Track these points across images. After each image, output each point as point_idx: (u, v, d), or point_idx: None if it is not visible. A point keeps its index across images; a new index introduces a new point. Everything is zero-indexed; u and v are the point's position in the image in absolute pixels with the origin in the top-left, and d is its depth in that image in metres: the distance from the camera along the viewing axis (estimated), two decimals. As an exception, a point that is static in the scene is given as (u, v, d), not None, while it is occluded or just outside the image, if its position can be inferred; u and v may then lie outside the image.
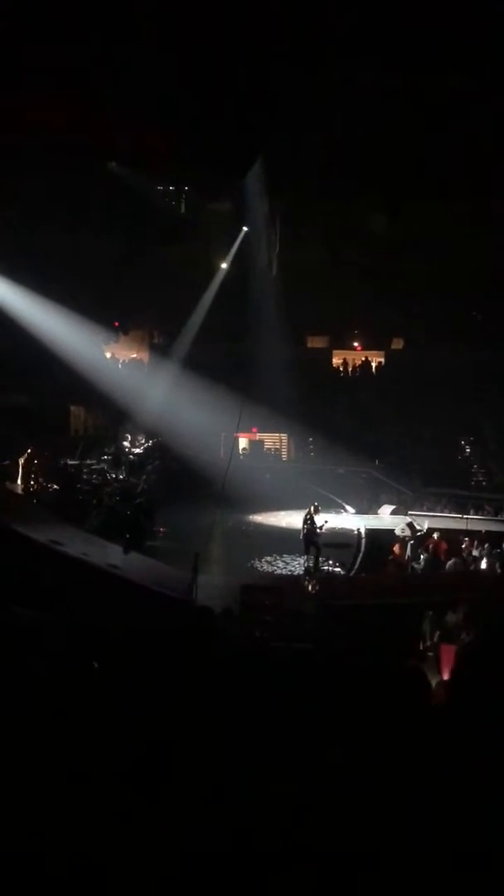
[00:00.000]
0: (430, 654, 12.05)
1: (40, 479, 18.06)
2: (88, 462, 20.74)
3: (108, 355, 30.01)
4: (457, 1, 12.36)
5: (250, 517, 21.42)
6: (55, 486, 18.11)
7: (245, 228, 28.66)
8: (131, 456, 22.33)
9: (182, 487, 23.82)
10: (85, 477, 19.17)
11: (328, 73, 14.51)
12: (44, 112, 17.11)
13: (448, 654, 9.69)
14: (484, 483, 24.93)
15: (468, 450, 27.73)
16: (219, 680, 4.21)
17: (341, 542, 18.51)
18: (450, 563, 16.54)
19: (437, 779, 2.37)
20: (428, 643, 12.21)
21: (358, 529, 19.65)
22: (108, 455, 21.88)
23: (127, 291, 28.94)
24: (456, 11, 12.36)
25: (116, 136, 18.84)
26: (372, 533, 19.18)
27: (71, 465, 19.37)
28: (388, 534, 18.53)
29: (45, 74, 15.35)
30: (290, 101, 15.49)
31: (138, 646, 5.22)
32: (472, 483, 24.86)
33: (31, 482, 17.84)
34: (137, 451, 23.25)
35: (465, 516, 20.32)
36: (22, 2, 13.18)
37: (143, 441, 24.49)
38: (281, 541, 18.48)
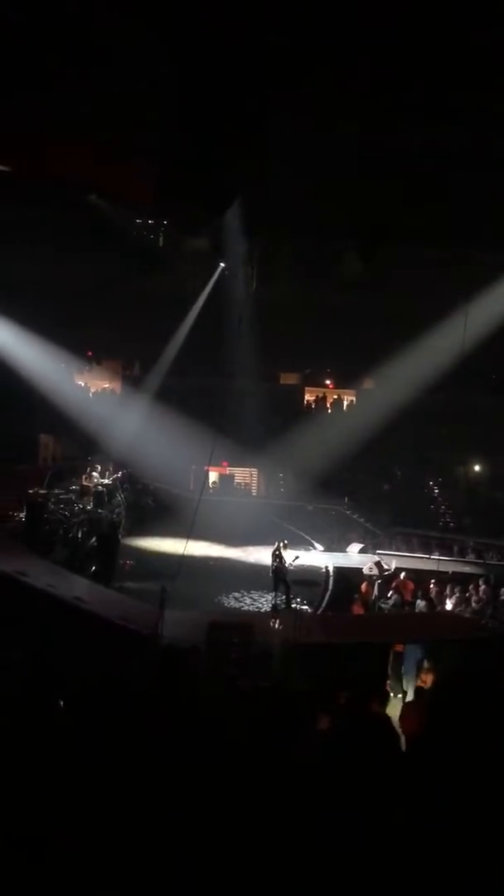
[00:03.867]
0: (398, 695, 12.06)
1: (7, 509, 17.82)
2: (56, 492, 20.51)
3: (81, 384, 29.92)
4: (432, 49, 12.75)
5: (219, 552, 21.30)
6: (22, 517, 17.85)
7: (222, 265, 29.00)
8: (100, 487, 22.13)
9: (150, 520, 23.67)
10: (52, 507, 18.94)
11: (308, 117, 14.85)
12: (22, 144, 17.23)
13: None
14: (451, 524, 25.14)
15: (436, 491, 27.99)
16: (185, 720, 4.16)
17: (309, 580, 18.47)
18: (417, 603, 16.61)
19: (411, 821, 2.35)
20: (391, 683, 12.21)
21: (326, 567, 19.63)
22: (75, 485, 21.67)
23: (101, 322, 28.99)
24: (433, 59, 12.78)
25: (96, 168, 19.01)
26: (340, 571, 19.17)
27: (38, 494, 19.12)
28: (356, 572, 18.53)
29: (25, 106, 15.48)
30: (271, 143, 15.80)
31: (103, 686, 5.14)
32: (440, 524, 25.05)
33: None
34: (106, 481, 23.05)
35: (432, 556, 20.42)
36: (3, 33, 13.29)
37: (113, 472, 24.31)
38: (249, 577, 18.39)
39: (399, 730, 7.55)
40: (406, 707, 9.47)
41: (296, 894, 2.18)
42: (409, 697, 11.39)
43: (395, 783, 2.84)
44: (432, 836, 2.15)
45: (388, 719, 5.37)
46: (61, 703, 4.09)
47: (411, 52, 12.88)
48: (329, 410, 32.68)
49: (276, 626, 13.68)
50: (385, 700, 9.69)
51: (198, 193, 18.53)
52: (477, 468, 29.03)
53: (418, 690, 10.70)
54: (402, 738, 7.00)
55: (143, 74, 14.34)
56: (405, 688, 12.56)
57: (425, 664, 12.07)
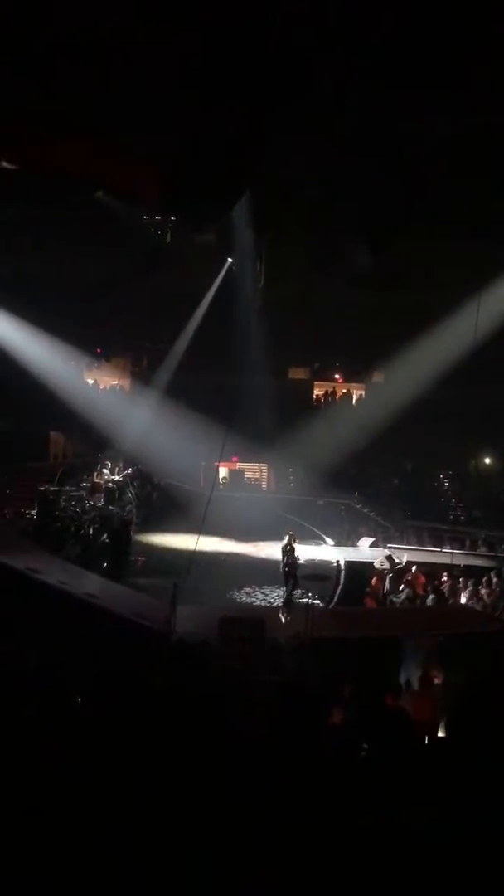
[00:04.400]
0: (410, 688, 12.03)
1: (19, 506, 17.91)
2: (67, 489, 20.59)
3: (90, 381, 29.99)
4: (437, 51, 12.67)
5: (230, 547, 21.33)
6: (33, 513, 17.93)
7: (230, 260, 28.98)
8: (110, 483, 22.20)
9: (161, 516, 23.73)
10: (63, 504, 19.01)
11: (318, 114, 14.79)
12: (29, 140, 17.22)
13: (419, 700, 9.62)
14: (462, 517, 25.08)
15: (447, 484, 27.91)
16: (198, 715, 4.17)
17: (320, 574, 18.48)
18: (429, 597, 16.60)
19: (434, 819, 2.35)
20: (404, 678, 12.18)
21: (337, 561, 19.63)
22: (86, 482, 21.74)
23: (110, 318, 29.05)
24: (438, 60, 12.69)
25: (104, 165, 18.99)
26: (351, 565, 19.16)
27: (50, 491, 19.20)
28: (367, 566, 18.52)
29: (31, 102, 15.47)
30: (279, 138, 15.74)
31: (116, 682, 5.16)
32: (451, 517, 24.98)
33: (6, 510, 17.69)
34: (117, 478, 23.12)
35: (443, 550, 20.39)
36: (8, 30, 13.28)
37: (123, 468, 24.38)
38: (260, 572, 18.40)
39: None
40: (415, 697, 9.58)
41: (314, 890, 2.19)
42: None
43: (418, 778, 2.84)
44: (457, 835, 2.15)
45: (404, 712, 5.36)
46: (77, 699, 4.12)
47: (417, 41, 12.80)
48: (338, 404, 32.65)
49: (284, 619, 13.71)
50: (398, 693, 9.72)
51: (205, 189, 18.49)
52: (487, 461, 28.92)
53: (424, 681, 10.68)
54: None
55: (150, 70, 14.31)
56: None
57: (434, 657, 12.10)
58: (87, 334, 27.91)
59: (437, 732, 8.84)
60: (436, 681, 11.24)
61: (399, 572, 17.86)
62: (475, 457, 28.71)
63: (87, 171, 18.48)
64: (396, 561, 18.56)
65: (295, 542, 16.02)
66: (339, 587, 17.93)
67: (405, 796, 2.51)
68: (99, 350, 30.84)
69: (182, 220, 27.19)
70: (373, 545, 21.31)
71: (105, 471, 23.08)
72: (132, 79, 14.68)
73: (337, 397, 33.20)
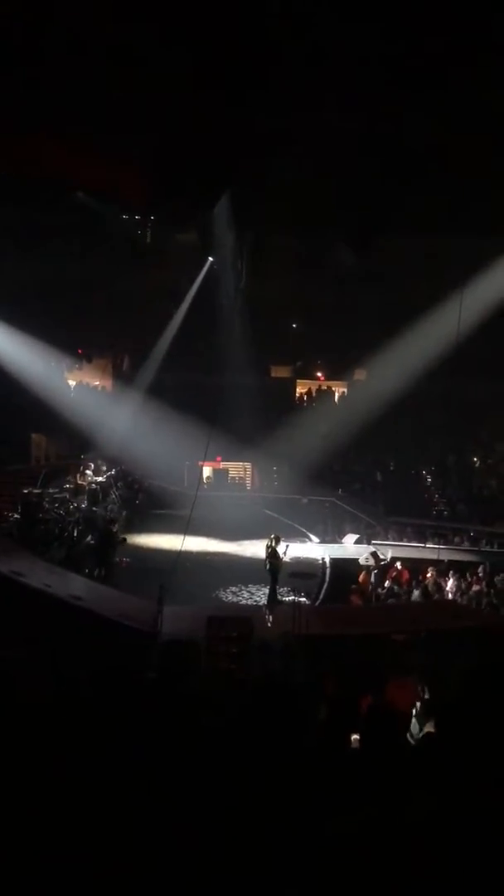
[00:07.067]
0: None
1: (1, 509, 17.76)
2: (50, 491, 20.45)
3: (72, 383, 29.82)
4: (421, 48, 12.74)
5: (215, 547, 21.30)
6: (16, 516, 17.79)
7: (210, 259, 28.93)
8: (94, 485, 22.08)
9: (146, 516, 23.64)
10: (47, 506, 18.88)
11: (298, 111, 14.81)
12: (8, 142, 17.12)
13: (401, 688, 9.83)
14: (445, 513, 25.19)
15: (429, 480, 28.03)
16: (186, 715, 4.15)
17: (306, 572, 18.50)
18: (414, 592, 16.67)
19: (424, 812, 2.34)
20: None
21: (322, 559, 19.66)
22: (69, 484, 21.60)
23: (91, 319, 28.90)
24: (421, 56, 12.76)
25: (84, 165, 18.92)
26: (336, 562, 19.19)
27: (33, 494, 19.06)
28: (352, 563, 18.56)
29: (11, 104, 15.38)
30: (259, 135, 15.75)
31: (103, 683, 5.12)
32: (434, 513, 25.10)
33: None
34: (100, 479, 23.00)
35: (427, 545, 20.47)
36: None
37: (106, 469, 24.26)
38: (246, 571, 18.39)
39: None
40: (393, 684, 9.72)
41: (299, 889, 2.18)
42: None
43: (410, 771, 2.83)
44: (446, 832, 2.14)
45: (389, 708, 5.37)
46: (64, 700, 4.08)
47: (400, 41, 12.86)
48: (321, 403, 32.69)
49: (270, 618, 13.73)
50: (383, 687, 9.82)
51: (185, 188, 18.48)
52: (470, 456, 29.07)
53: (401, 670, 10.80)
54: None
55: (133, 71, 14.28)
56: None
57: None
58: (69, 335, 27.74)
59: (410, 719, 9.08)
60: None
61: (384, 568, 17.93)
62: (458, 452, 28.84)
63: (67, 170, 18.39)
64: (381, 557, 18.63)
65: (278, 543, 16.01)
66: (325, 584, 17.95)
67: (399, 789, 2.51)
68: (80, 351, 30.66)
69: (162, 219, 27.14)
70: (358, 542, 21.36)
71: (88, 472, 22.95)
72: (112, 78, 14.64)
73: (319, 395, 33.24)
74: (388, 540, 21.70)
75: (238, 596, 16.99)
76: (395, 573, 17.58)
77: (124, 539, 18.73)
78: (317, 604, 16.60)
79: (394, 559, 18.51)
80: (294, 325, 33.27)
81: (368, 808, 2.35)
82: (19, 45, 13.45)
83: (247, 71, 13.31)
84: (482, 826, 2.09)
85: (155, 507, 25.05)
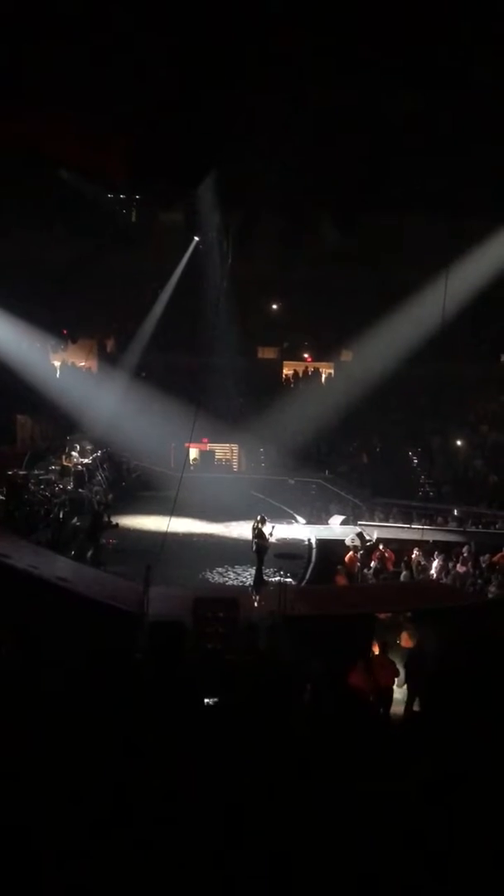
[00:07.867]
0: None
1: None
2: (36, 473, 20.34)
3: (57, 363, 29.62)
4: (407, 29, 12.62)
5: (201, 528, 21.32)
6: (2, 497, 17.69)
7: (196, 239, 28.71)
8: (80, 466, 21.99)
9: (132, 498, 23.61)
10: (32, 488, 18.79)
11: (284, 91, 14.66)
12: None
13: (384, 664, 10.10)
14: (431, 494, 25.32)
15: (415, 461, 28.15)
16: (174, 695, 4.17)
17: (292, 553, 18.55)
18: (401, 573, 16.79)
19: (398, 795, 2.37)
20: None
21: (308, 540, 19.73)
22: (55, 466, 21.50)
23: (76, 299, 28.66)
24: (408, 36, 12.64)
25: (67, 143, 18.65)
26: (322, 543, 19.26)
27: (18, 476, 18.95)
28: (339, 544, 18.64)
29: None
30: (245, 116, 15.59)
31: (91, 664, 5.14)
32: (420, 493, 25.21)
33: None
34: (86, 461, 22.90)
35: (413, 526, 20.58)
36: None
37: (92, 451, 24.16)
38: (232, 552, 18.43)
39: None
40: (375, 660, 9.88)
41: (294, 869, 2.20)
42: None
43: (382, 749, 2.86)
44: (435, 807, 2.17)
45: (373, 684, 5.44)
46: (54, 680, 4.10)
47: (382, 18, 12.73)
48: (308, 383, 32.67)
49: (256, 600, 13.78)
50: (369, 664, 9.96)
51: (170, 167, 18.28)
52: (455, 438, 29.20)
53: (383, 647, 10.93)
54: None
55: (117, 49, 14.07)
56: None
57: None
58: (53, 316, 27.51)
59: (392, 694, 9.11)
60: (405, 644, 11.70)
61: (370, 549, 18.03)
62: (444, 433, 28.95)
63: (51, 148, 18.14)
64: (367, 538, 18.71)
65: (264, 525, 16.04)
66: (312, 565, 18.02)
67: (389, 762, 2.54)
68: (65, 331, 30.41)
69: (147, 198, 26.86)
70: (344, 523, 21.45)
71: (74, 454, 22.85)
72: (97, 54, 14.43)
73: (306, 376, 33.21)
74: (374, 521, 21.79)
75: (224, 577, 17.03)
76: (380, 554, 17.69)
77: (116, 524, 18.81)
78: (303, 584, 16.66)
79: (379, 540, 18.62)
80: (279, 306, 33.15)
81: (361, 782, 2.37)
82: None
83: (231, 47, 13.14)
84: (473, 795, 2.12)
85: (141, 489, 25.04)
